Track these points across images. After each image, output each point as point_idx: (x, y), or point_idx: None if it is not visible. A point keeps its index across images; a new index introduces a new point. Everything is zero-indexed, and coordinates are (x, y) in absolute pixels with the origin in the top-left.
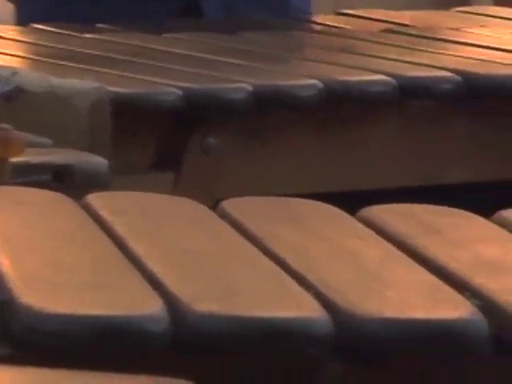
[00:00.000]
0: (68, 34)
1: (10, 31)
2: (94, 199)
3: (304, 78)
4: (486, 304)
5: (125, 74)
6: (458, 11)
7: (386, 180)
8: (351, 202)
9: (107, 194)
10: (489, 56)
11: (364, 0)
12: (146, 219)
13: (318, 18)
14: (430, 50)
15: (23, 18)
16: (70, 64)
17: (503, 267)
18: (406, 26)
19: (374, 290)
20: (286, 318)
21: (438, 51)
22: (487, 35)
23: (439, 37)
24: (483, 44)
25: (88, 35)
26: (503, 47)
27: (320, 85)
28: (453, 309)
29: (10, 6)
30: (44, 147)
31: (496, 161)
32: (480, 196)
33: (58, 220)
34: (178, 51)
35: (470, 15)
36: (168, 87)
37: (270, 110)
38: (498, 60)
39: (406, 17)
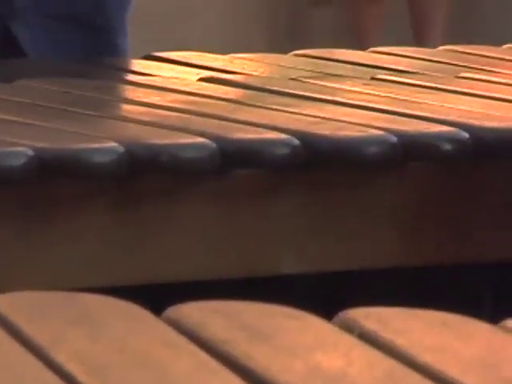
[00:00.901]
0: None
1: None
2: None
3: (100, 139)
4: None
5: None
6: (296, 55)
7: (201, 270)
8: (157, 298)
9: None
10: (335, 113)
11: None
12: None
13: (124, 63)
14: (259, 104)
15: None
16: None
17: (345, 381)
18: (231, 73)
19: None
20: None
21: (269, 106)
22: (332, 86)
23: (272, 88)
24: (326, 98)
25: None
26: (353, 102)
27: (120, 149)
28: None
29: None
30: None
31: (340, 246)
32: (320, 291)
33: None
34: None
35: (311, 60)
36: None
37: (55, 181)
38: (345, 118)
39: (230, 61)
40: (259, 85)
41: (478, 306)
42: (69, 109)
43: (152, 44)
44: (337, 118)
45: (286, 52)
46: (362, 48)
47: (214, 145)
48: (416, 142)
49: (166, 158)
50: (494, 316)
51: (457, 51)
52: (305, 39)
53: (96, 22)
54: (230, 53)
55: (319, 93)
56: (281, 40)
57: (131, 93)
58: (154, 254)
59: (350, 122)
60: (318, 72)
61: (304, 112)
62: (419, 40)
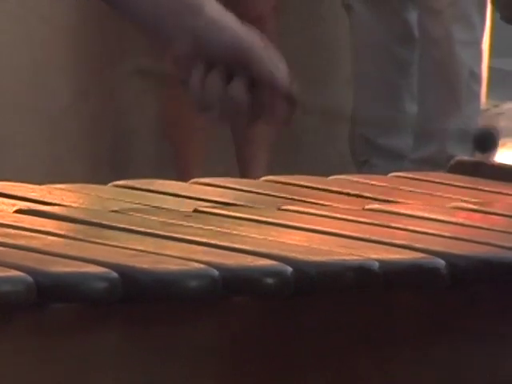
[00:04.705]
0: None
1: None
2: None
3: None
4: None
5: None
6: (116, 185)
7: None
8: None
9: None
10: (155, 246)
11: None
12: None
13: None
14: (78, 237)
15: None
16: None
17: None
18: (49, 204)
19: None
20: None
21: (88, 239)
22: (152, 219)
23: (91, 220)
24: (146, 230)
25: None
26: (174, 235)
27: None
28: None
29: None
30: None
31: None
32: None
33: None
34: None
35: (132, 191)
36: None
37: None
38: (165, 251)
39: (49, 192)
40: (78, 217)
41: None
42: None
43: None
44: (157, 251)
45: (107, 182)
46: (184, 179)
47: (29, 278)
48: (238, 277)
49: None
50: None
51: (279, 182)
52: (126, 169)
53: None
54: (48, 183)
55: (139, 225)
56: (102, 170)
57: None
58: None
59: (170, 256)
60: (138, 204)
61: (123, 245)
62: (244, 171)
